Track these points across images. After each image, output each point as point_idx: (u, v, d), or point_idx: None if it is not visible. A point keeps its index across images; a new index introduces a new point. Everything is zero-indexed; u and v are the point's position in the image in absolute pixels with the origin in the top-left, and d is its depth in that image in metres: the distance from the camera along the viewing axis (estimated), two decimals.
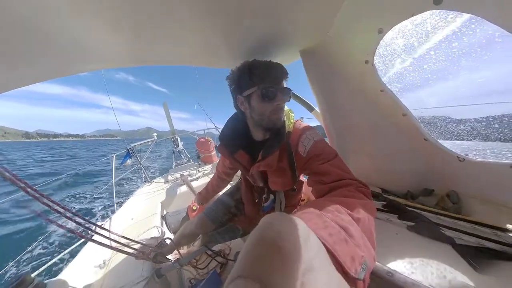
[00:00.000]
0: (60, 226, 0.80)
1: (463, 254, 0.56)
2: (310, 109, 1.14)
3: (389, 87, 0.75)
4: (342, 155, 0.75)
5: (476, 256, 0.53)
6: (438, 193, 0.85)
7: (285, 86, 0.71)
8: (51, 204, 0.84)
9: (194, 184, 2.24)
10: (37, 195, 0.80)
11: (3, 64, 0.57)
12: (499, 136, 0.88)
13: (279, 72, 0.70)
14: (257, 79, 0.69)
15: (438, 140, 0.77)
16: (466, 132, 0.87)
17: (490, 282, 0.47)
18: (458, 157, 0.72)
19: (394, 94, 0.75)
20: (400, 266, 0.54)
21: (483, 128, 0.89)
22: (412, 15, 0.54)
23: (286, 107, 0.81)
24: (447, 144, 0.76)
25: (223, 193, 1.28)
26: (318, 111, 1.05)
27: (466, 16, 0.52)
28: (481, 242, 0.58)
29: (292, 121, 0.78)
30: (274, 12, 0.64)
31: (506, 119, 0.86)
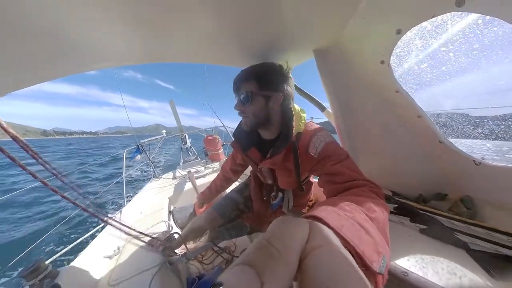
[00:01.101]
0: (83, 209, 0.82)
1: (478, 260, 0.55)
2: (322, 108, 1.13)
3: (404, 88, 0.74)
4: (353, 156, 0.74)
5: (492, 262, 0.52)
6: (451, 197, 0.83)
7: (247, 90, 0.73)
8: (69, 185, 0.87)
9: (202, 181, 2.27)
10: (59, 176, 0.83)
11: (14, 64, 0.58)
12: None
13: (239, 80, 0.75)
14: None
15: (454, 143, 0.75)
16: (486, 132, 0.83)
17: None
18: (474, 160, 0.71)
19: (409, 95, 0.74)
20: (414, 268, 0.54)
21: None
22: (433, 17, 0.53)
23: (297, 107, 0.82)
24: (468, 143, 0.75)
25: (232, 190, 1.30)
26: (330, 111, 1.05)
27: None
28: (497, 248, 0.56)
29: (303, 121, 0.78)
30: (288, 11, 0.63)
31: None
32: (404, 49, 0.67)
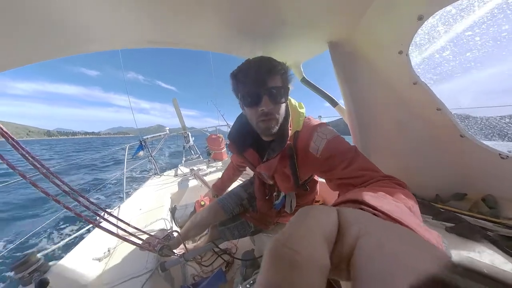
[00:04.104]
0: (67, 208, 0.78)
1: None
2: (334, 104, 1.09)
3: (423, 80, 0.70)
4: (365, 152, 0.70)
5: None
6: (471, 197, 0.78)
7: (276, 85, 0.61)
8: (61, 184, 0.84)
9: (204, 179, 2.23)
10: (48, 173, 0.80)
11: (7, 42, 0.55)
12: None
13: (264, 71, 0.60)
14: (241, 85, 0.63)
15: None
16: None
17: None
18: (500, 154, 0.66)
19: (429, 87, 0.70)
20: None
21: None
22: None
23: (294, 101, 0.75)
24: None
25: (237, 185, 1.25)
26: (343, 106, 1.01)
27: None
28: None
29: (301, 118, 0.71)
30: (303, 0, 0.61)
31: None
32: (425, 37, 0.63)
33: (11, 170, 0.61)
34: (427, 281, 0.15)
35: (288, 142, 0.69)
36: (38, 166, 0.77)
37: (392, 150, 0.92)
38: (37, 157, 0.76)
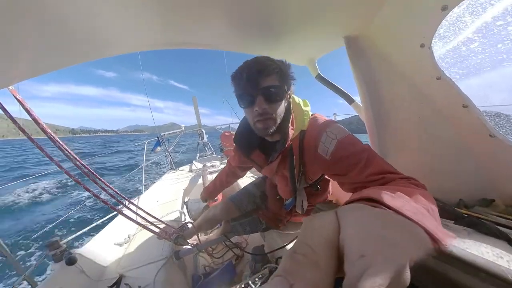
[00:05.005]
0: (96, 196, 0.87)
1: None
2: (350, 101, 1.06)
3: (447, 74, 0.66)
4: (382, 152, 0.67)
5: None
6: (500, 203, 0.71)
7: (271, 84, 0.59)
8: (89, 173, 0.93)
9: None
10: (79, 163, 0.89)
11: (37, 50, 0.59)
12: None
13: (255, 71, 0.58)
14: (236, 85, 0.63)
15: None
16: None
17: None
18: None
19: (454, 82, 0.65)
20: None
21: None
22: None
23: (298, 99, 0.73)
24: None
25: (250, 183, 1.27)
26: (359, 103, 0.98)
27: None
28: None
29: (306, 117, 0.68)
30: None
31: None
32: (450, 28, 0.59)
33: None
34: (415, 265, 0.18)
35: (289, 142, 0.67)
36: (72, 157, 0.87)
37: (412, 150, 0.87)
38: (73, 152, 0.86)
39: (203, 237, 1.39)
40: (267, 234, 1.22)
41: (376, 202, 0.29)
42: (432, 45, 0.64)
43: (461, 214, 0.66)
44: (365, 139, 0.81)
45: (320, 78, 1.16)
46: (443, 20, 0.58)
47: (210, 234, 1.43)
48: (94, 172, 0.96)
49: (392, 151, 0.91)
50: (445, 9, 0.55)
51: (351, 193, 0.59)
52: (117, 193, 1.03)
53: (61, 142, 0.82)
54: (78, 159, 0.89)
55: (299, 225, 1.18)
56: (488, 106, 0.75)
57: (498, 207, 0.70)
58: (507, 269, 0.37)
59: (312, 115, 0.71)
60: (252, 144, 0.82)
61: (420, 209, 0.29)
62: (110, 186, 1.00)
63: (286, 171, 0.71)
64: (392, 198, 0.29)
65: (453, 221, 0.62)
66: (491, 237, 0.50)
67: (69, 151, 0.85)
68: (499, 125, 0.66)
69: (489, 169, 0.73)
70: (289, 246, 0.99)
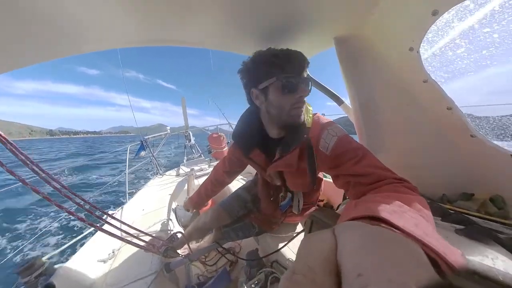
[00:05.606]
0: (70, 212, 0.77)
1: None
2: (339, 102, 1.06)
3: (433, 77, 0.67)
4: (371, 151, 0.67)
5: None
6: (479, 197, 0.76)
7: (305, 76, 0.65)
8: (61, 188, 0.83)
9: (205, 179, 2.23)
10: (48, 178, 0.79)
11: (9, 43, 0.55)
12: None
13: (301, 60, 0.63)
14: (277, 69, 0.61)
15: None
16: None
17: None
18: (511, 155, 0.64)
19: (439, 85, 0.68)
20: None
21: None
22: None
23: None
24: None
25: (240, 187, 1.24)
26: (348, 104, 0.98)
27: None
28: None
29: (310, 115, 0.71)
30: None
31: None
32: (438, 33, 0.60)
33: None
34: (439, 282, 0.18)
35: (305, 136, 0.67)
36: (38, 170, 0.76)
37: (400, 149, 0.90)
38: (36, 162, 0.74)
39: (194, 245, 1.34)
40: (261, 238, 1.21)
41: (377, 220, 0.29)
42: (420, 49, 0.65)
43: (447, 210, 0.70)
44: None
45: (310, 79, 1.15)
46: (433, 25, 0.59)
47: (202, 242, 1.39)
48: (66, 187, 0.86)
49: (380, 151, 0.93)
50: (436, 14, 0.55)
51: (342, 192, 0.61)
52: (95, 207, 0.94)
53: (21, 151, 0.71)
54: (45, 171, 0.78)
55: (292, 226, 1.18)
56: (466, 106, 0.79)
57: (478, 201, 0.75)
58: (498, 270, 0.39)
59: (314, 114, 0.73)
60: (252, 143, 0.80)
61: (423, 225, 0.28)
62: (87, 201, 0.91)
63: (304, 163, 0.70)
64: (395, 215, 0.29)
65: (441, 218, 0.65)
66: (493, 246, 0.53)
67: (32, 160, 0.74)
68: (480, 126, 0.70)
69: (469, 166, 0.77)
70: (284, 250, 0.99)
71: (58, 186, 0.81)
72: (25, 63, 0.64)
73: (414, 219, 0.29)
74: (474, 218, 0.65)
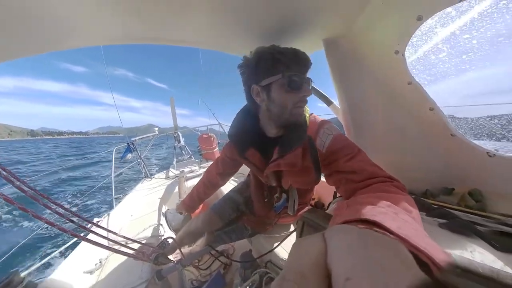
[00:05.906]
0: (50, 224, 0.72)
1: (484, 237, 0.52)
2: (328, 102, 1.08)
3: (417, 80, 0.70)
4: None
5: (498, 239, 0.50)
6: (459, 191, 0.82)
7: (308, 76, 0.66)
8: (39, 198, 0.77)
9: (196, 181, 2.18)
10: (25, 188, 0.72)
11: None
12: None
13: (306, 60, 0.64)
14: (282, 66, 0.60)
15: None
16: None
17: None
18: (488, 153, 0.69)
19: (422, 87, 0.71)
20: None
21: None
22: (460, 1, 0.49)
23: None
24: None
25: (231, 189, 1.22)
26: (337, 105, 1.00)
27: None
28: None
29: (307, 115, 0.71)
30: None
31: None
32: (422, 38, 0.63)
33: None
34: (425, 282, 0.18)
35: (308, 135, 0.67)
36: (12, 179, 0.69)
37: (386, 148, 0.93)
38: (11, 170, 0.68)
39: (186, 249, 1.31)
40: (254, 239, 1.21)
41: (369, 223, 0.30)
42: (405, 52, 0.67)
43: (431, 205, 0.74)
44: None
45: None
46: (417, 30, 0.61)
47: (194, 246, 1.36)
48: (45, 195, 0.80)
49: (368, 150, 0.95)
50: (420, 19, 0.58)
51: (333, 189, 0.67)
52: (78, 216, 0.88)
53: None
54: (18, 179, 0.72)
55: (285, 226, 1.19)
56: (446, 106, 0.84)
57: (458, 195, 0.80)
58: (478, 263, 0.42)
59: (310, 114, 0.73)
60: (246, 140, 0.79)
61: (413, 226, 0.30)
62: (69, 209, 0.85)
63: (307, 161, 0.69)
64: (387, 217, 0.30)
65: (425, 213, 0.69)
66: (472, 239, 0.56)
67: (3, 167, 0.67)
68: (459, 126, 0.74)
69: (450, 163, 0.83)
70: (278, 249, 0.99)
71: (35, 194, 0.75)
72: (5, 57, 0.60)
73: (404, 220, 0.31)
74: (455, 212, 0.69)
